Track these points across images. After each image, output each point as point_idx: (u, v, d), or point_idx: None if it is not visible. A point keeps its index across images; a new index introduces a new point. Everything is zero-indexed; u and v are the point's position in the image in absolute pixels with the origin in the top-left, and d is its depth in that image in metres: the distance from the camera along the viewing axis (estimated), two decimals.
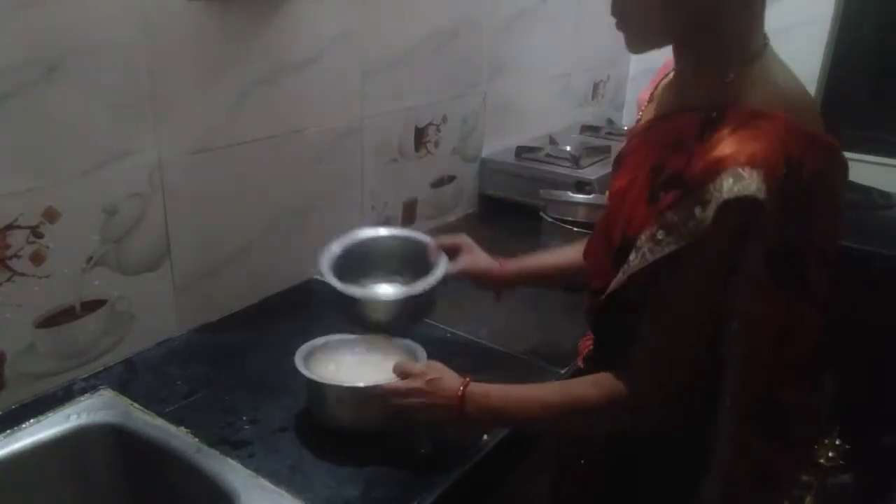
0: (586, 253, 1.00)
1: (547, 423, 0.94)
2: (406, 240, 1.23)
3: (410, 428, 0.97)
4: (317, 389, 1.00)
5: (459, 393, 0.90)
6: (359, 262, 1.18)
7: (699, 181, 0.73)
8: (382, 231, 1.25)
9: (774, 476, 0.89)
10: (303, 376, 0.99)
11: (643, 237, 0.79)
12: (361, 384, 0.97)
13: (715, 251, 0.75)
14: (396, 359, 1.04)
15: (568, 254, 1.16)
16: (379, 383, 0.96)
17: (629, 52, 0.90)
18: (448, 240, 1.17)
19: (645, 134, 0.91)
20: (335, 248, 1.16)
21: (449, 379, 0.93)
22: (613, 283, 0.84)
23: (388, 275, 1.22)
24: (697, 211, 0.73)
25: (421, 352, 1.05)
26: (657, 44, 0.87)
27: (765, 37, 0.83)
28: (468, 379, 0.93)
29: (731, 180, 0.71)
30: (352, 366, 1.07)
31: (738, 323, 0.78)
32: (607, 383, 0.85)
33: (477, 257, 1.16)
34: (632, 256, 0.80)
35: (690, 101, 0.84)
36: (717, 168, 0.72)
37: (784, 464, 0.90)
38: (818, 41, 2.25)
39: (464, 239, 1.16)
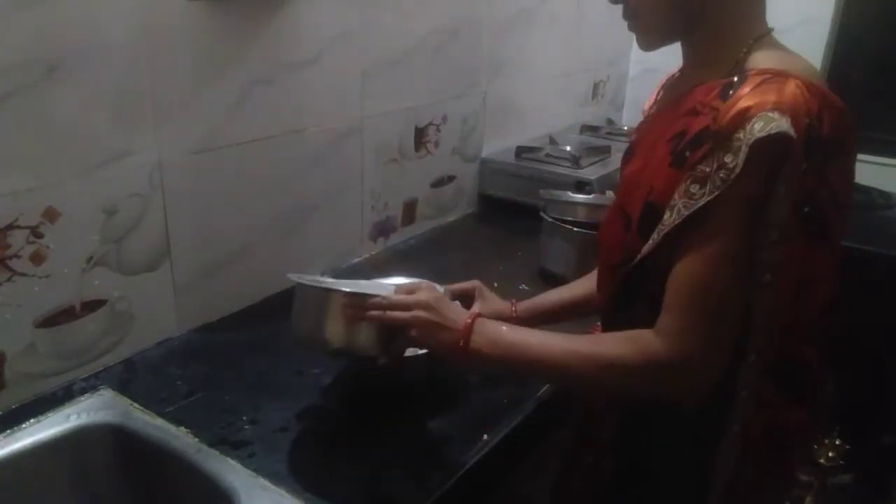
0: (600, 235, 0.99)
1: (567, 373, 0.85)
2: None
3: (403, 360, 0.90)
4: (308, 297, 0.91)
5: (468, 321, 0.87)
6: None
7: (728, 130, 0.75)
8: (387, 282, 1.16)
9: (789, 432, 0.88)
10: (297, 286, 0.91)
11: (676, 195, 0.79)
12: (361, 291, 0.89)
13: (749, 193, 0.76)
14: None
15: (579, 288, 1.14)
16: (380, 293, 0.88)
17: (642, 50, 0.91)
18: (460, 287, 1.11)
19: (656, 115, 0.93)
20: None
21: (459, 307, 0.91)
22: (647, 247, 0.82)
23: None
24: (729, 159, 0.75)
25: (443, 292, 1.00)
26: (670, 38, 0.89)
27: (768, 25, 0.87)
28: (479, 312, 0.90)
29: (760, 123, 0.73)
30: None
31: (770, 274, 0.78)
32: (643, 340, 0.80)
33: (489, 302, 1.11)
34: (666, 216, 0.80)
35: (706, 77, 0.85)
36: (745, 115, 0.74)
37: (797, 420, 0.88)
38: (818, 41, 2.25)
39: (476, 284, 1.12)
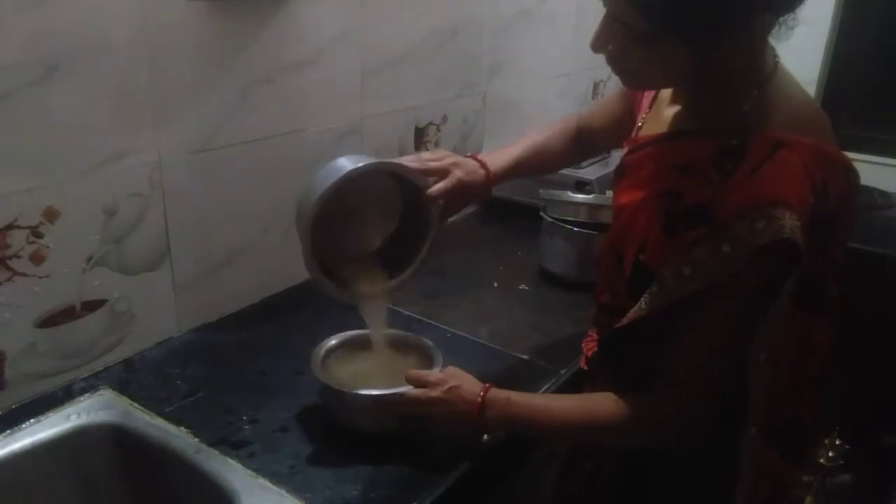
0: (596, 263, 1.00)
1: (566, 436, 0.96)
2: (417, 340, 1.11)
3: (426, 431, 0.97)
4: (335, 396, 0.99)
5: (479, 399, 0.91)
6: (343, 213, 1.02)
7: (728, 220, 0.73)
8: (408, 159, 1.06)
9: (787, 487, 0.90)
10: (316, 379, 0.99)
11: (666, 271, 0.78)
12: (379, 392, 0.95)
13: (748, 291, 0.75)
14: (413, 360, 1.05)
15: (554, 141, 1.16)
16: (398, 391, 0.94)
17: (625, 87, 0.92)
18: (432, 165, 1.04)
19: (651, 150, 0.89)
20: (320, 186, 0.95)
21: (468, 384, 0.93)
22: (632, 314, 0.83)
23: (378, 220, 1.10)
24: (726, 249, 0.72)
25: (438, 355, 1.04)
26: (654, 90, 0.89)
27: (774, 54, 0.82)
28: (488, 385, 0.93)
29: (763, 222, 0.70)
30: (369, 366, 1.06)
31: (766, 353, 0.78)
32: (630, 405, 0.85)
33: (466, 168, 1.06)
34: (654, 287, 0.79)
35: (703, 124, 0.82)
36: (748, 209, 0.71)
37: (796, 477, 0.92)
38: (818, 41, 2.25)
39: (446, 161, 1.05)
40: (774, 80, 0.80)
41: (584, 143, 1.18)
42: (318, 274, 0.97)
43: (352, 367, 1.07)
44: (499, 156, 1.12)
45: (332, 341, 1.08)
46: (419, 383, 0.94)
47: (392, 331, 1.11)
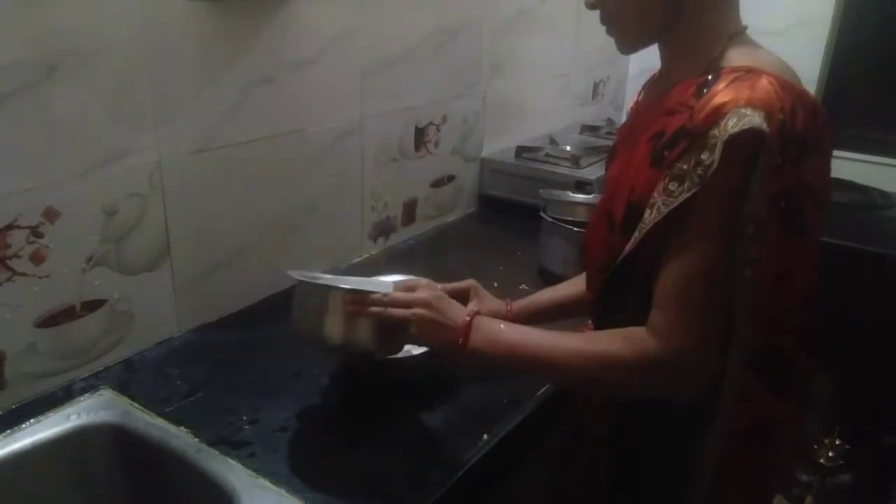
0: (586, 238, 1.00)
1: (565, 371, 0.86)
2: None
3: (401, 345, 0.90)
4: (307, 294, 0.92)
5: (467, 318, 0.87)
6: None
7: (703, 128, 0.77)
8: (386, 279, 1.12)
9: (775, 424, 0.89)
10: (297, 283, 0.92)
11: (655, 193, 0.80)
12: (360, 287, 0.89)
13: (727, 189, 0.77)
14: None
15: (572, 287, 1.15)
16: (375, 291, 0.89)
17: (621, 53, 0.94)
18: (455, 286, 1.10)
19: (634, 119, 0.95)
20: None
21: (458, 304, 0.90)
22: (629, 245, 0.84)
23: None
24: (705, 156, 0.76)
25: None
26: (646, 41, 0.91)
27: (743, 24, 0.88)
28: (477, 310, 0.90)
29: (734, 119, 0.75)
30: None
31: (750, 269, 0.79)
32: (638, 337, 0.81)
33: (485, 301, 1.11)
34: (646, 214, 0.81)
35: (681, 77, 0.87)
36: (719, 113, 0.76)
37: (783, 412, 0.90)
38: (818, 41, 2.25)
39: (471, 283, 1.12)
40: (741, 38, 0.86)
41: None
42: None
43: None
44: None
45: (324, 275, 1.03)
46: (408, 288, 0.90)
47: (386, 278, 1.08)
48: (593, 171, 1.83)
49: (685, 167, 0.78)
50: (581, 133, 2.26)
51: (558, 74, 2.23)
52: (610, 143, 2.08)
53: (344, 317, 0.89)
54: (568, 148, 1.95)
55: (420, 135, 1.68)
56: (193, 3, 1.12)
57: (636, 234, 0.83)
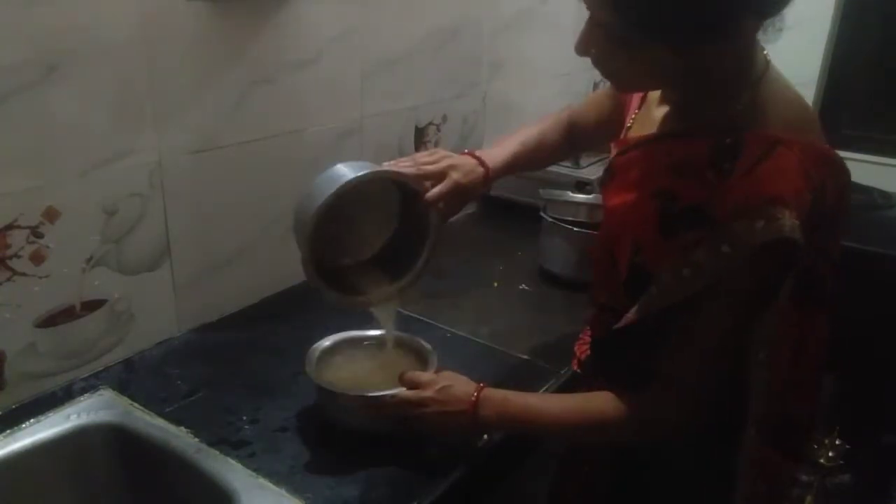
0: (593, 259, 0.99)
1: (562, 435, 0.95)
2: (411, 340, 1.10)
3: (419, 433, 0.96)
4: (328, 396, 0.99)
5: (473, 398, 0.90)
6: (344, 219, 1.02)
7: (726, 219, 0.72)
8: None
9: (783, 483, 0.90)
10: (311, 381, 0.99)
11: (665, 273, 0.78)
12: (373, 393, 0.95)
13: (746, 290, 0.74)
14: (410, 361, 1.05)
15: (549, 134, 1.16)
16: (389, 392, 0.94)
17: (616, 91, 0.93)
18: (429, 170, 1.04)
19: (641, 151, 0.88)
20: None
21: (462, 384, 0.93)
22: (629, 316, 0.82)
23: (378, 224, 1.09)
24: (725, 249, 0.72)
25: (432, 356, 1.04)
26: (643, 92, 0.89)
27: (765, 54, 0.81)
28: (482, 385, 0.92)
29: (762, 222, 0.70)
30: (363, 366, 1.06)
31: (765, 352, 0.78)
32: (626, 404, 0.84)
33: (463, 170, 1.06)
34: (652, 290, 0.79)
35: (694, 125, 0.81)
36: (746, 208, 0.71)
37: (793, 471, 0.92)
38: (818, 41, 2.25)
39: (443, 163, 1.05)
40: (766, 80, 0.79)
41: (575, 138, 1.18)
42: (317, 281, 0.96)
43: (347, 367, 1.06)
44: (496, 152, 1.11)
45: (327, 342, 1.08)
46: (412, 385, 0.94)
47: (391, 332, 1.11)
48: (593, 171, 1.83)
49: (702, 258, 0.74)
50: None
51: (558, 74, 2.23)
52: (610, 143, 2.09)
53: (363, 416, 0.97)
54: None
55: (420, 135, 1.68)
56: (193, 3, 1.12)
57: (640, 306, 0.81)
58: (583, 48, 0.81)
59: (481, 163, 1.08)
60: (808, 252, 0.74)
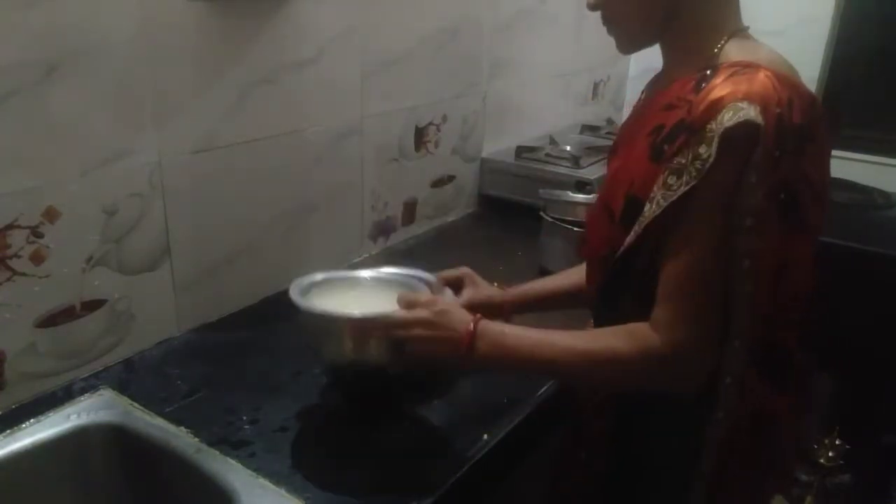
0: (587, 231, 1.01)
1: (569, 369, 0.88)
2: (407, 279, 1.07)
3: (408, 362, 0.91)
4: (313, 321, 0.92)
5: (470, 327, 0.87)
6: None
7: (700, 122, 0.78)
8: (383, 271, 1.12)
9: (774, 418, 0.89)
10: (301, 308, 0.93)
11: (655, 187, 0.81)
12: (360, 314, 0.90)
13: (723, 181, 0.78)
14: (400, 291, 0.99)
15: (569, 278, 1.15)
16: (381, 313, 0.89)
17: (621, 53, 0.96)
18: (449, 274, 1.12)
19: (634, 116, 0.97)
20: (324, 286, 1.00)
21: (459, 313, 0.89)
22: (629, 238, 0.85)
23: None
24: (703, 150, 0.77)
25: (435, 282, 1.01)
26: (646, 41, 0.92)
27: (745, 24, 0.89)
28: (479, 315, 0.89)
29: (730, 112, 0.76)
30: (355, 300, 1.01)
31: (749, 260, 0.80)
32: (640, 333, 0.82)
33: (480, 288, 1.12)
34: (646, 208, 0.82)
35: (681, 74, 0.87)
36: (716, 106, 0.77)
37: (782, 406, 0.90)
38: (818, 41, 2.25)
39: (465, 271, 1.13)
40: (742, 35, 0.88)
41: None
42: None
43: (337, 301, 0.99)
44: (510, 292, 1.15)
45: (318, 276, 1.02)
46: (408, 305, 0.90)
47: (382, 270, 1.09)
48: (593, 171, 1.83)
49: (683, 161, 0.79)
50: (581, 133, 2.26)
51: (558, 74, 2.23)
52: (610, 142, 2.08)
53: (350, 341, 0.91)
54: (568, 148, 1.95)
55: (420, 135, 1.68)
56: (193, 3, 1.12)
57: (636, 227, 0.84)
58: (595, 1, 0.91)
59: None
60: (780, 163, 0.78)
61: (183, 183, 1.18)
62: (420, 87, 1.64)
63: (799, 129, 0.79)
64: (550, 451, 1.13)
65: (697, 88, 0.82)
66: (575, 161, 1.86)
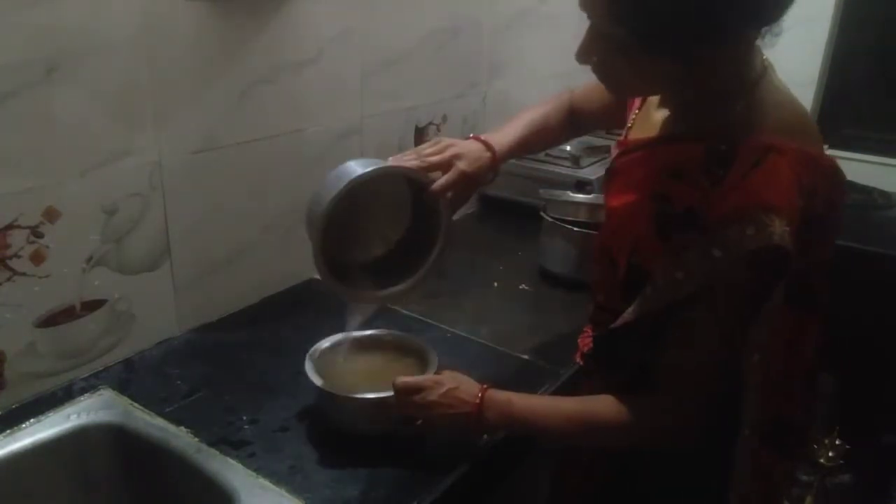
0: (594, 258, 0.99)
1: (565, 438, 0.96)
2: (416, 344, 1.09)
3: (422, 434, 0.97)
4: (328, 399, 0.99)
5: (478, 400, 0.90)
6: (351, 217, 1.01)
7: (718, 225, 0.73)
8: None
9: (777, 482, 0.90)
10: (311, 381, 0.98)
11: (659, 274, 0.79)
12: (372, 395, 0.95)
13: (738, 294, 0.75)
14: (409, 360, 1.05)
15: (550, 122, 1.15)
16: (392, 395, 0.94)
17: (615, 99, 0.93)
18: (434, 161, 1.02)
19: (641, 154, 0.89)
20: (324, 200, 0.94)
21: (466, 385, 0.93)
22: (625, 316, 0.83)
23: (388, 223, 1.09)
24: (717, 253, 0.73)
25: (432, 356, 1.04)
26: (648, 96, 0.89)
27: (763, 58, 0.82)
28: (486, 386, 0.92)
29: (752, 229, 0.71)
30: (363, 367, 1.06)
31: (759, 355, 0.79)
32: (629, 407, 0.85)
33: (468, 159, 1.04)
34: (647, 290, 0.80)
35: (692, 128, 0.82)
36: (737, 214, 0.72)
37: (784, 469, 0.92)
38: (818, 41, 2.25)
39: (448, 150, 1.03)
40: (763, 84, 0.80)
41: (577, 122, 1.18)
42: (328, 277, 0.96)
43: (348, 368, 1.06)
44: (502, 135, 1.10)
45: (327, 343, 1.07)
46: (413, 389, 0.93)
47: (390, 332, 1.12)
48: (593, 171, 1.83)
49: (693, 261, 0.75)
50: None
51: (558, 74, 2.23)
52: (610, 142, 2.08)
53: (365, 418, 0.98)
54: (568, 148, 1.94)
55: (420, 135, 1.68)
56: (193, 3, 1.12)
57: (634, 307, 0.82)
58: (584, 57, 0.84)
59: (487, 147, 1.06)
60: (799, 258, 0.75)
61: (183, 183, 1.18)
62: (420, 87, 1.64)
63: (822, 214, 0.76)
64: (551, 451, 1.13)
65: (710, 170, 0.75)
66: (575, 161, 1.85)
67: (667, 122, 0.88)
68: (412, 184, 1.04)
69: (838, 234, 0.85)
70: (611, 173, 0.96)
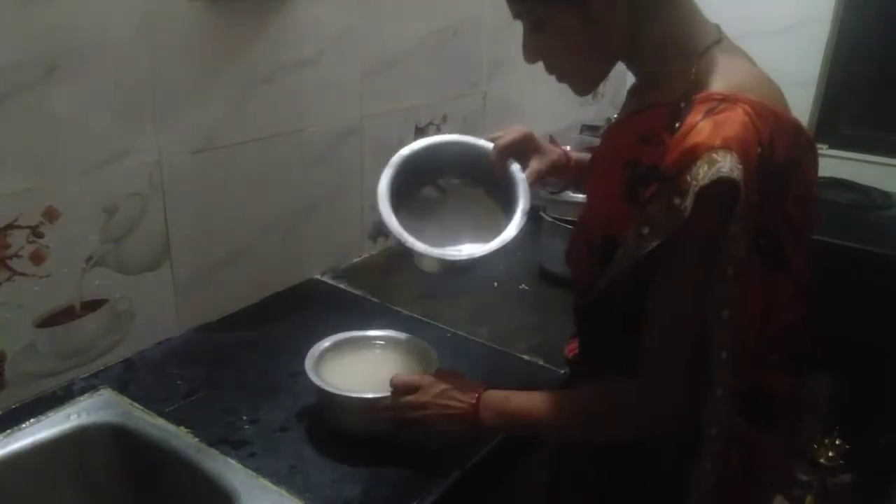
0: (568, 254, 0.99)
1: (563, 436, 0.96)
2: (417, 345, 1.10)
3: (419, 434, 0.96)
4: (327, 398, 0.99)
5: (474, 399, 0.90)
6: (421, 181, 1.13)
7: (674, 171, 0.73)
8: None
9: (762, 459, 0.89)
10: (311, 381, 0.98)
11: (628, 234, 0.79)
12: (371, 395, 0.95)
13: (700, 239, 0.75)
14: (409, 360, 1.05)
15: None
16: (390, 394, 0.94)
17: (578, 96, 0.95)
18: (508, 141, 1.08)
19: (610, 134, 0.94)
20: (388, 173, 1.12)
21: (462, 386, 0.92)
22: (601, 282, 0.83)
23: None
24: (676, 201, 0.73)
25: (432, 356, 1.04)
26: (600, 78, 0.91)
27: (718, 30, 0.85)
28: (483, 386, 0.92)
29: (705, 167, 0.71)
30: (364, 367, 1.06)
31: (729, 310, 0.78)
32: (625, 391, 0.84)
33: (544, 154, 1.12)
34: (619, 253, 0.80)
35: (656, 98, 0.84)
36: (690, 156, 0.72)
37: (770, 447, 0.89)
38: (818, 41, 2.25)
39: (525, 134, 1.10)
40: (718, 48, 0.82)
41: None
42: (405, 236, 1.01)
43: (348, 368, 1.06)
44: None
45: (327, 342, 1.07)
46: (407, 389, 0.93)
47: (391, 332, 1.12)
48: None
49: (656, 211, 0.75)
50: (581, 133, 2.26)
51: None
52: None
53: (360, 417, 0.99)
54: (568, 148, 1.94)
55: (420, 135, 1.68)
56: (193, 3, 1.12)
57: (608, 271, 0.82)
58: (529, 54, 0.89)
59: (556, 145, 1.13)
60: (762, 207, 0.75)
61: (183, 183, 1.18)
62: (420, 87, 1.64)
63: (782, 166, 0.76)
64: (549, 450, 1.13)
65: (671, 125, 0.77)
66: None
67: (633, 100, 0.92)
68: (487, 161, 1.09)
69: (811, 198, 0.84)
70: (591, 164, 1.00)
